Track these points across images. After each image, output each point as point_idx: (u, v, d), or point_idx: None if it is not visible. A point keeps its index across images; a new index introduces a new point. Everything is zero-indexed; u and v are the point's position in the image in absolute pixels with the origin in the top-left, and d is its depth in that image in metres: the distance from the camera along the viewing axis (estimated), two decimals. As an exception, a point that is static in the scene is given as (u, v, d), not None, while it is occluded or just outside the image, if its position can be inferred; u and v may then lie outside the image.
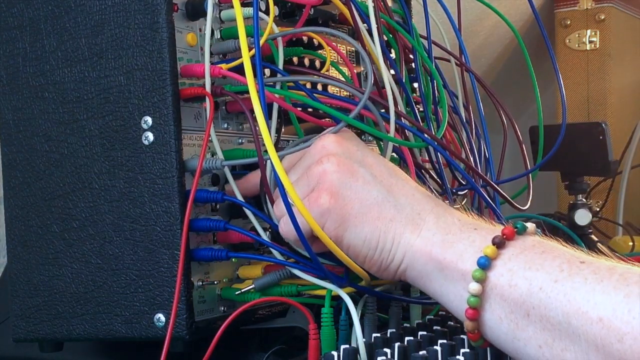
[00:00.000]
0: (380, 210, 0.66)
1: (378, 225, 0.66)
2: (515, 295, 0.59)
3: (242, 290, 0.73)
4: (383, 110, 0.77)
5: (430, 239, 0.65)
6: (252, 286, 0.72)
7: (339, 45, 0.88)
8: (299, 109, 0.78)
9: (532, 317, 0.58)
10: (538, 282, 0.58)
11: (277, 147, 0.71)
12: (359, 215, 0.66)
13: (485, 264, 0.61)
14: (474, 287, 0.61)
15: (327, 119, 0.80)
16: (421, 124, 0.84)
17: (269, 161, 0.67)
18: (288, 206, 0.65)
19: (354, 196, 0.66)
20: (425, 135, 0.80)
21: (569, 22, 2.03)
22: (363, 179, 0.67)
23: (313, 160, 0.68)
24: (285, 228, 0.68)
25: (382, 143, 0.82)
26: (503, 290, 0.60)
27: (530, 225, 0.63)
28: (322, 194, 0.66)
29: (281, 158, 0.66)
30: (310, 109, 0.80)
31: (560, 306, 0.57)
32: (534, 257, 0.60)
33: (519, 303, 0.59)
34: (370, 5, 0.81)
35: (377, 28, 0.81)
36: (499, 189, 0.88)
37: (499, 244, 0.61)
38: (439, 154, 0.86)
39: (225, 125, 0.76)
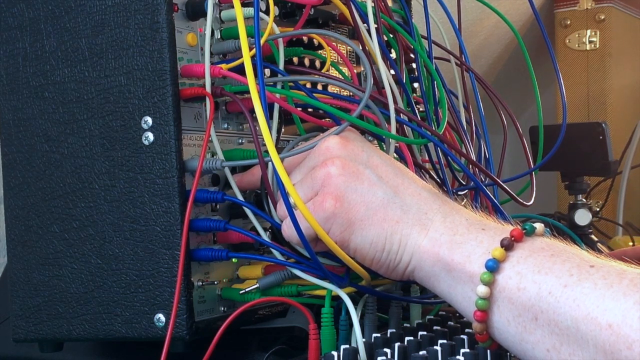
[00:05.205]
0: (386, 212, 0.65)
1: (384, 227, 0.65)
2: (523, 298, 0.59)
3: (246, 290, 0.73)
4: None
5: (438, 240, 0.64)
6: (257, 285, 0.72)
7: (338, 45, 0.88)
8: (299, 109, 0.78)
9: (540, 320, 0.58)
10: (547, 286, 0.58)
11: (277, 147, 0.71)
12: (365, 218, 0.65)
13: (493, 267, 0.60)
14: (482, 290, 0.60)
15: (327, 119, 0.80)
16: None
17: (270, 163, 0.67)
18: (290, 210, 0.65)
19: (359, 199, 0.66)
20: (426, 131, 0.80)
21: (569, 22, 2.03)
22: (368, 180, 0.66)
23: (317, 162, 0.68)
24: (289, 231, 0.67)
25: (383, 144, 0.82)
26: (511, 293, 0.60)
27: (539, 226, 0.63)
28: (327, 198, 0.65)
29: (283, 160, 0.66)
30: (310, 109, 0.80)
31: (569, 311, 0.56)
32: (543, 260, 0.60)
33: (527, 306, 0.59)
34: (369, 5, 0.81)
35: (377, 27, 0.81)
36: (504, 185, 0.88)
37: (507, 246, 0.61)
38: (439, 153, 0.86)
39: (226, 126, 0.76)
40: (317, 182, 0.67)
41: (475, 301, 0.61)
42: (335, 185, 0.66)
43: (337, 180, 0.66)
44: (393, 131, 0.75)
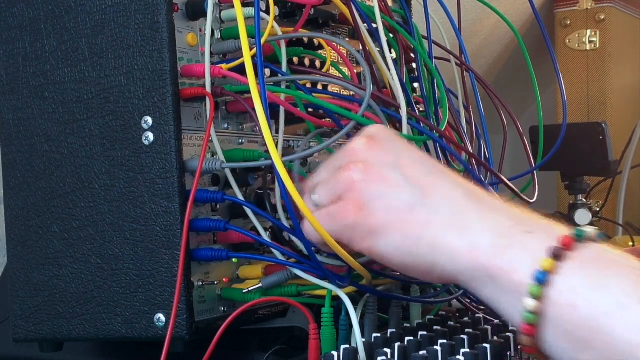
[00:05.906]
0: (412, 215, 0.61)
1: (411, 231, 0.61)
2: (575, 316, 0.55)
3: (250, 289, 0.72)
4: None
5: (477, 244, 0.59)
6: (260, 285, 0.72)
7: (339, 45, 0.88)
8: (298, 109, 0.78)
9: (593, 342, 0.54)
10: (601, 305, 0.53)
11: (277, 147, 0.71)
12: (389, 224, 0.62)
13: (543, 280, 0.55)
14: (531, 303, 0.56)
15: (327, 119, 0.80)
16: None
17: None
18: (294, 218, 0.64)
19: (381, 205, 0.62)
20: (428, 129, 0.80)
21: (569, 22, 2.03)
22: (393, 183, 0.63)
23: (342, 163, 0.65)
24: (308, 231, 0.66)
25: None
26: (562, 309, 0.55)
27: (590, 231, 0.58)
28: (349, 206, 0.63)
29: (288, 162, 0.65)
30: (310, 109, 0.80)
31: (625, 334, 0.52)
32: (596, 274, 0.55)
33: (580, 325, 0.54)
34: (377, 7, 0.81)
35: (380, 28, 0.81)
36: (508, 182, 0.87)
37: (558, 256, 0.56)
38: (439, 152, 0.86)
39: (226, 126, 0.76)
40: (339, 185, 0.64)
41: (524, 314, 0.56)
42: (358, 191, 0.63)
43: (359, 186, 0.63)
44: (405, 130, 0.75)
